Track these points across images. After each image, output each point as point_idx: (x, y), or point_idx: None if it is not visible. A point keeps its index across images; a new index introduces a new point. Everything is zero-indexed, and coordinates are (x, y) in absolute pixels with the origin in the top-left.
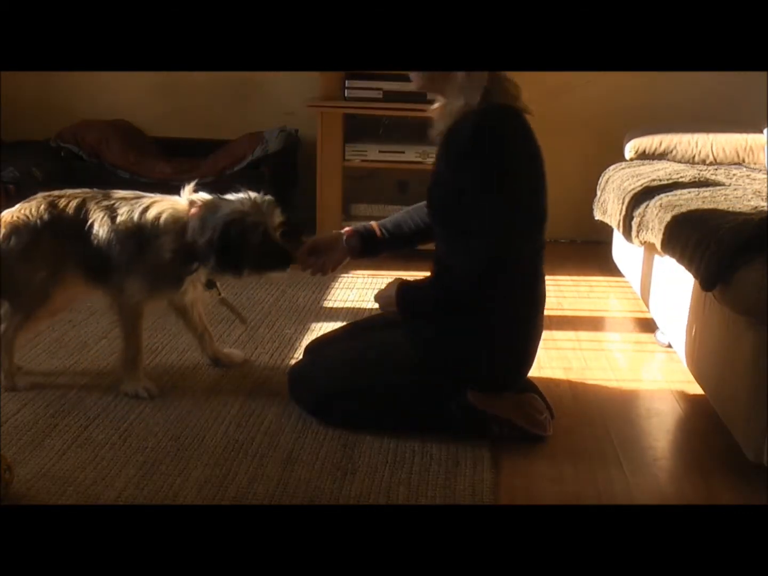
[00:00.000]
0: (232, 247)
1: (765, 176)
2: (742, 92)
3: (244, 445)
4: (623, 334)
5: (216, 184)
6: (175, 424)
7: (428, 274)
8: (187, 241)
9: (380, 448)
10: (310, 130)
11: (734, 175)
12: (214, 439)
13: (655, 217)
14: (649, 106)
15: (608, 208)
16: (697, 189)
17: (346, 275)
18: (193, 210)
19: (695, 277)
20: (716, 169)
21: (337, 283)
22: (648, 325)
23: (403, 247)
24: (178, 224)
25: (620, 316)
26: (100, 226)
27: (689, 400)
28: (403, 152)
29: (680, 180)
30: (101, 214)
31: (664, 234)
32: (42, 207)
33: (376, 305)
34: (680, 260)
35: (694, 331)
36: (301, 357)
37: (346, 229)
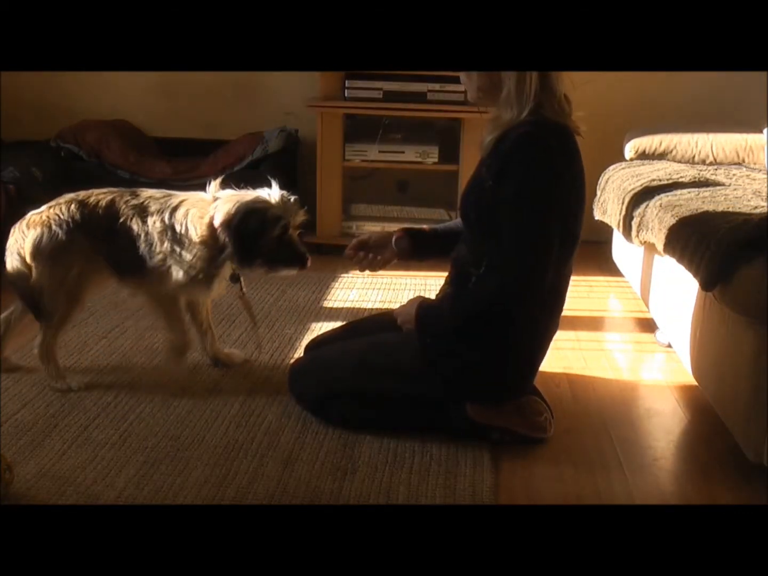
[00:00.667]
0: (249, 236)
1: (765, 176)
2: (742, 92)
3: (244, 445)
4: (623, 334)
5: None
6: (175, 424)
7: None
8: (215, 236)
9: (380, 448)
10: (310, 130)
11: (734, 175)
12: (214, 439)
13: (655, 217)
14: (649, 106)
15: (608, 208)
16: (697, 189)
17: (346, 275)
18: (218, 202)
19: (695, 277)
20: (716, 169)
21: (337, 283)
22: (648, 325)
23: (449, 252)
24: (204, 220)
25: (620, 316)
26: (131, 226)
27: (689, 400)
28: (403, 152)
29: (680, 180)
30: (131, 213)
31: (664, 234)
32: (72, 207)
33: (377, 305)
34: (680, 260)
35: (694, 331)
36: (301, 356)
37: (397, 229)
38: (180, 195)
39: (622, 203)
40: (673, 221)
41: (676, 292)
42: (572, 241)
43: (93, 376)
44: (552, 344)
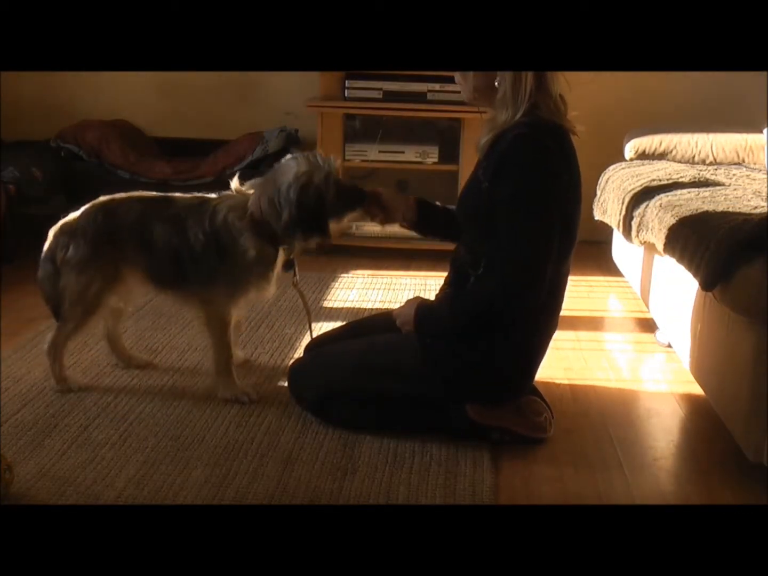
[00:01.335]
0: (316, 209)
1: (765, 176)
2: (742, 92)
3: (244, 445)
4: (623, 334)
5: (216, 184)
6: (175, 424)
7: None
8: (263, 230)
9: (380, 448)
10: (310, 130)
11: (734, 175)
12: (214, 439)
13: (655, 217)
14: (649, 105)
15: (608, 208)
16: (697, 189)
17: (346, 275)
18: (254, 195)
19: (695, 277)
20: (716, 169)
21: (337, 283)
22: (648, 325)
23: (454, 238)
24: (246, 218)
25: (620, 316)
26: (170, 239)
27: (689, 401)
28: (403, 152)
29: (680, 180)
30: (168, 225)
31: (664, 234)
32: (100, 216)
33: (377, 305)
34: (680, 260)
35: (694, 331)
36: (301, 356)
37: (411, 198)
38: (212, 198)
39: (622, 203)
40: (673, 221)
41: (676, 292)
42: (570, 240)
43: (93, 376)
44: (552, 344)
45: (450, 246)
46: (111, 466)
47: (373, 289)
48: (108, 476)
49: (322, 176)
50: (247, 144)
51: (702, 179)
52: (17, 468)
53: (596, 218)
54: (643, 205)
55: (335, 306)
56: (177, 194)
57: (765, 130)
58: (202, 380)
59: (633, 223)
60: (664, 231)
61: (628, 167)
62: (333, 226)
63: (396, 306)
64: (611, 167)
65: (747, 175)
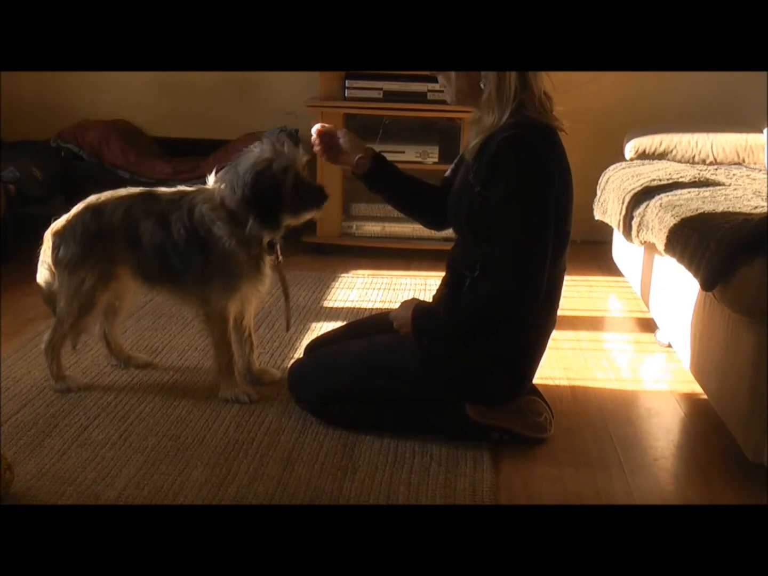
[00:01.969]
0: (267, 197)
1: (765, 176)
2: (742, 92)
3: (244, 445)
4: (623, 334)
5: None
6: (175, 424)
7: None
8: (235, 216)
9: (380, 448)
10: (310, 130)
11: (734, 175)
12: (214, 439)
13: (655, 217)
14: (649, 105)
15: (608, 208)
16: (697, 189)
17: (346, 275)
18: (219, 182)
19: (695, 277)
20: (716, 169)
21: (337, 283)
22: (648, 325)
23: (398, 202)
24: (217, 207)
25: (620, 316)
26: (154, 235)
27: (689, 400)
28: (403, 152)
29: (680, 180)
30: (152, 221)
31: (664, 234)
32: (88, 216)
33: (377, 305)
34: (680, 260)
35: (694, 331)
36: (301, 356)
37: (370, 150)
38: (191, 192)
39: (622, 203)
40: (673, 221)
41: (676, 292)
42: (564, 237)
43: (93, 376)
44: (552, 344)
45: (448, 246)
46: (111, 466)
47: (373, 289)
48: (108, 476)
49: (281, 165)
50: (247, 144)
51: (702, 179)
52: (17, 468)
53: (596, 218)
54: (643, 205)
55: (335, 306)
56: (161, 189)
57: (765, 130)
58: (202, 380)
59: (633, 223)
60: (665, 231)
61: (629, 167)
62: (289, 222)
63: (396, 306)
64: (611, 167)
65: (747, 175)
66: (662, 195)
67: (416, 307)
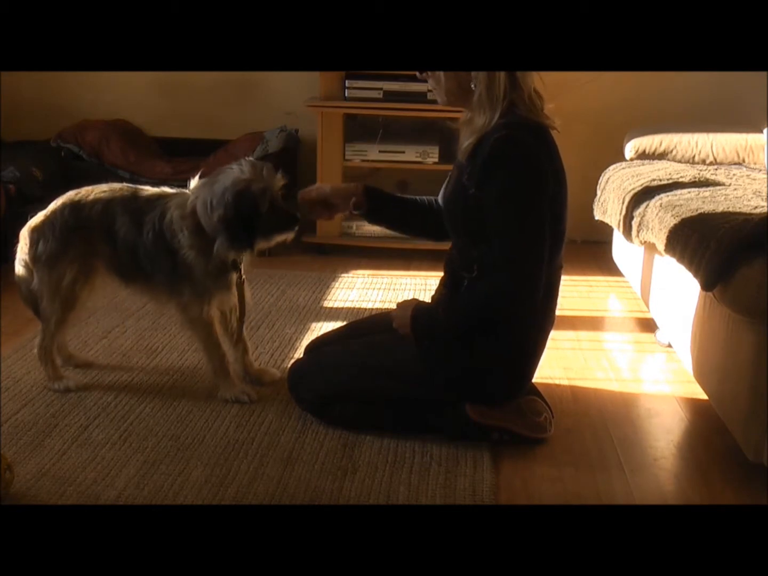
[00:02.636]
0: (247, 217)
1: (765, 176)
2: (742, 92)
3: (244, 445)
4: (623, 334)
5: None
6: (175, 424)
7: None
8: (201, 229)
9: (380, 448)
10: (310, 130)
11: (734, 175)
12: (214, 439)
13: (655, 217)
14: (649, 105)
15: (608, 207)
16: (697, 189)
17: (346, 275)
18: (193, 194)
19: (695, 277)
20: (716, 169)
21: (337, 283)
22: (648, 325)
23: (401, 227)
24: (187, 216)
25: (620, 316)
26: (128, 234)
27: (689, 400)
28: (403, 152)
29: (680, 180)
30: (128, 219)
31: (664, 234)
32: (67, 211)
33: (377, 305)
34: (680, 260)
35: (694, 331)
36: (301, 356)
37: (358, 186)
38: (169, 194)
39: (623, 203)
40: (673, 221)
41: (676, 292)
42: (559, 236)
43: (93, 376)
44: (552, 344)
45: (447, 246)
46: (111, 466)
47: (373, 289)
48: (108, 476)
49: (259, 187)
50: (247, 144)
51: (702, 179)
52: (17, 468)
53: (596, 218)
54: (643, 205)
55: (335, 306)
56: (144, 187)
57: (765, 130)
58: (202, 380)
59: (633, 222)
60: (665, 231)
61: (629, 167)
62: (261, 245)
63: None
64: (611, 167)
65: (747, 175)
66: (662, 195)
67: (415, 307)
